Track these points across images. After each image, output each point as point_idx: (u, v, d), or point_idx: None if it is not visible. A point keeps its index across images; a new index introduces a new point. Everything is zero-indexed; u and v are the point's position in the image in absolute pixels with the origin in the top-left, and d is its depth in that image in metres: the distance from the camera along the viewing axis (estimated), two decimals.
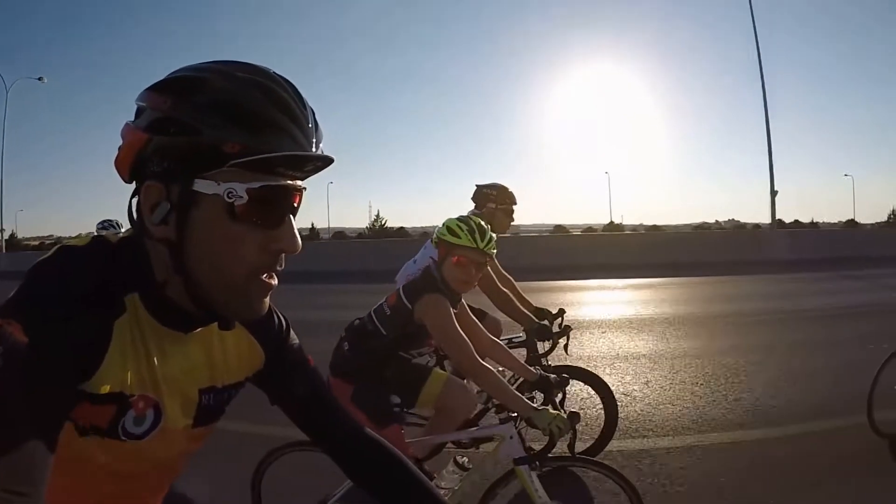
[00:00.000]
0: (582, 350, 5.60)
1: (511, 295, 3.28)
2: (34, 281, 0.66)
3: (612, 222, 59.61)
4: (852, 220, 51.74)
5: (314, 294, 10.10)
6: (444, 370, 3.03)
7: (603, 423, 3.15)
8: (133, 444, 0.75)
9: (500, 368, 2.48)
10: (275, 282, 0.73)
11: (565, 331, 3.10)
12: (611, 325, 7.07)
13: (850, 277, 11.46)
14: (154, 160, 0.68)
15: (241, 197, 0.66)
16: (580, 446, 3.07)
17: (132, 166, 0.70)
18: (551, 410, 1.88)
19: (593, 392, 3.26)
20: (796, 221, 50.23)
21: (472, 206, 3.67)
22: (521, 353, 3.07)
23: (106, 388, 0.69)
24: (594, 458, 2.61)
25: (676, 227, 59.78)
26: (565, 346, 3.09)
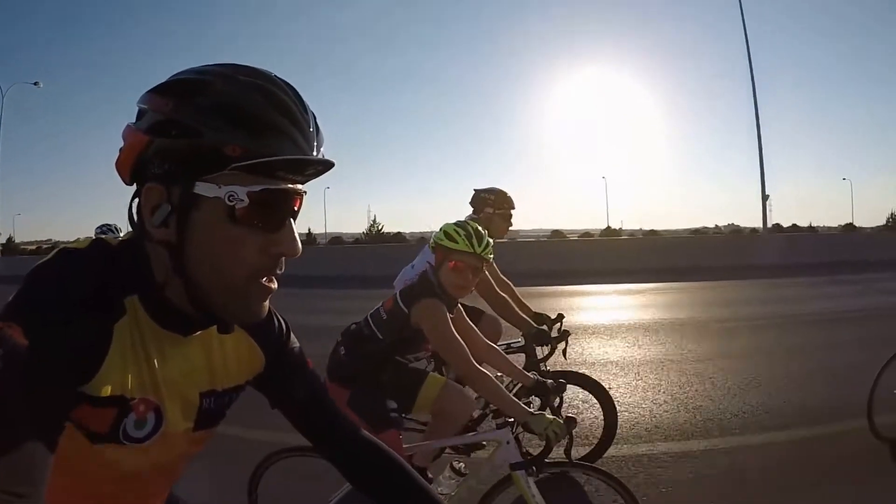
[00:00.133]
0: (581, 355, 5.60)
1: (510, 300, 3.27)
2: (34, 284, 0.66)
3: (608, 227, 59.63)
4: (850, 224, 51.75)
5: (311, 299, 10.08)
6: (444, 375, 3.03)
7: (602, 429, 3.15)
8: (134, 448, 0.75)
9: (499, 374, 2.48)
10: (275, 285, 0.73)
11: (564, 336, 3.10)
12: (609, 330, 7.06)
13: (849, 281, 11.48)
14: (155, 162, 0.68)
15: (242, 200, 0.67)
16: (579, 451, 3.07)
17: (133, 168, 0.71)
18: (548, 415, 1.87)
19: (591, 397, 3.26)
20: (794, 226, 50.23)
21: (470, 210, 3.67)
22: (519, 358, 3.08)
23: (106, 391, 0.69)
24: (591, 464, 2.60)
25: (676, 231, 59.82)
26: (564, 351, 3.09)
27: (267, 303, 0.74)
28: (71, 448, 0.70)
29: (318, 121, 0.72)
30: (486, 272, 2.98)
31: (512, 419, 1.99)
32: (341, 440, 0.94)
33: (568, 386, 2.56)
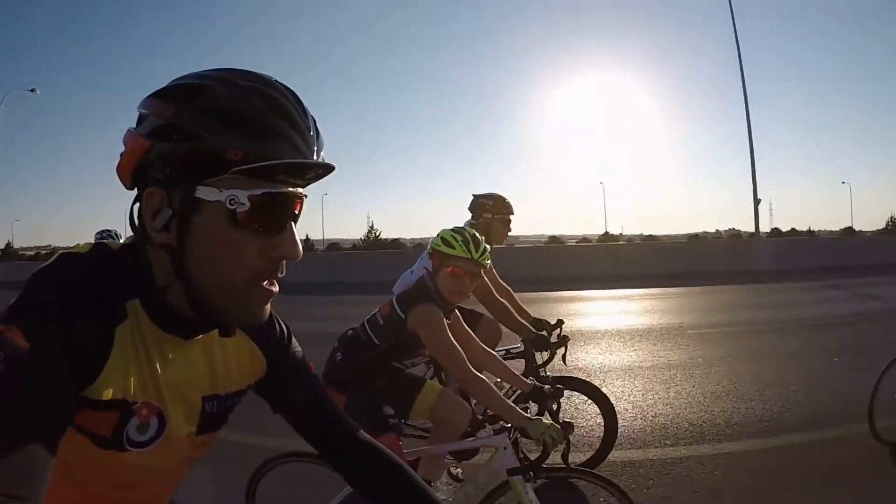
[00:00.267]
0: (580, 361, 5.60)
1: (509, 305, 3.27)
2: (35, 288, 0.67)
3: (607, 233, 59.67)
4: (850, 228, 51.79)
5: (308, 305, 10.07)
6: (442, 381, 3.03)
7: (602, 434, 3.14)
8: (136, 451, 0.75)
9: (497, 380, 2.48)
10: (276, 289, 0.74)
11: (563, 341, 3.10)
12: (609, 335, 7.06)
13: (849, 286, 11.47)
14: (156, 167, 0.69)
15: (243, 204, 0.67)
16: (578, 457, 3.06)
17: (134, 173, 0.71)
18: (545, 420, 1.87)
19: (589, 402, 3.25)
20: (793, 230, 50.34)
21: (469, 215, 3.68)
22: (519, 364, 3.08)
23: (108, 395, 0.69)
24: (589, 469, 2.60)
25: (675, 236, 59.88)
26: (563, 357, 3.09)
27: (268, 306, 0.74)
28: (72, 452, 0.70)
29: (317, 124, 0.73)
30: (486, 278, 2.99)
31: (509, 424, 1.99)
32: (342, 443, 0.94)
33: (566, 391, 2.57)
